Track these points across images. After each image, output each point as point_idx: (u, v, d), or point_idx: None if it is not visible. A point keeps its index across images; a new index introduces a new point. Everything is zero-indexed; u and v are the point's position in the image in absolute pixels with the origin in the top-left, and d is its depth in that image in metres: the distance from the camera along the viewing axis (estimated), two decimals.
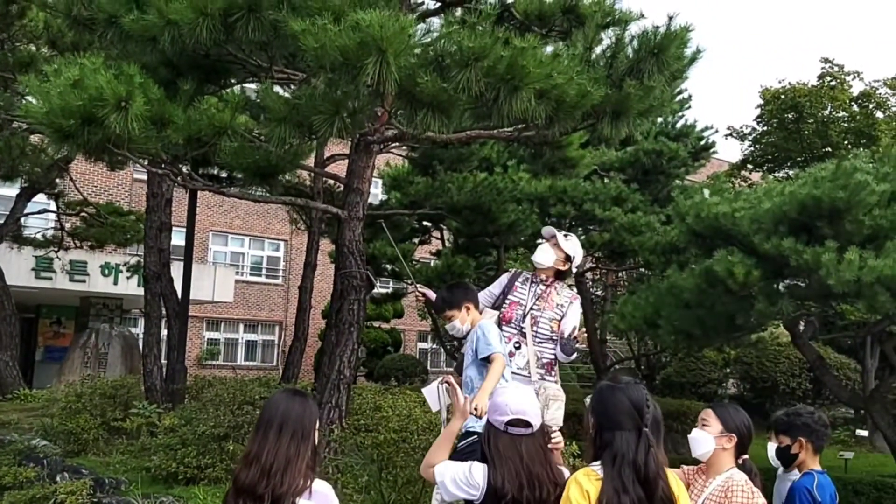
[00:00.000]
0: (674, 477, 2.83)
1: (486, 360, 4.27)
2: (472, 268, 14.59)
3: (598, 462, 2.74)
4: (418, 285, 5.13)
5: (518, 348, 4.64)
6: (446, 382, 3.88)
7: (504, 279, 4.84)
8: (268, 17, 5.36)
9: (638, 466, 2.65)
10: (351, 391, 6.92)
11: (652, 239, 12.99)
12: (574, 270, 5.00)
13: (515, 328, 4.67)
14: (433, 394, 4.30)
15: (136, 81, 5.18)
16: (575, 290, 5.13)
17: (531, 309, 4.68)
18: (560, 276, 4.85)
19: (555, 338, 4.72)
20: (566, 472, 3.04)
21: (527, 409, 3.02)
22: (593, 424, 2.81)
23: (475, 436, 4.20)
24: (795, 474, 4.11)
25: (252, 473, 2.90)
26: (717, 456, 3.40)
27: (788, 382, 18.63)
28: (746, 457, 3.45)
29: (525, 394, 3.19)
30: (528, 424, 2.98)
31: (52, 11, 9.67)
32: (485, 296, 4.81)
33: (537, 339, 4.69)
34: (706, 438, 3.42)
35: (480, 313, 4.63)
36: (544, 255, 4.75)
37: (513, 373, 4.56)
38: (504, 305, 4.72)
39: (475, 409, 3.71)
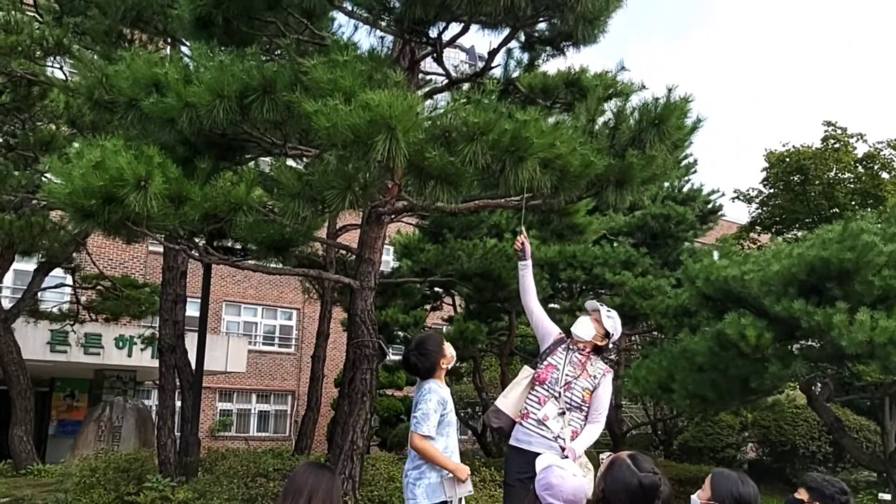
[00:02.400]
0: None
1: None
2: (485, 333, 14.62)
3: None
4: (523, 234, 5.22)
5: (562, 414, 4.69)
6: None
7: (552, 338, 4.96)
8: (282, 99, 5.58)
9: None
10: (364, 461, 6.91)
11: (663, 302, 13.02)
12: (611, 347, 5.11)
13: (548, 391, 4.74)
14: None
15: (156, 161, 5.37)
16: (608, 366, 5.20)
17: (566, 375, 4.76)
18: (597, 350, 4.95)
19: (584, 408, 4.78)
20: None
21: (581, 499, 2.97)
22: (601, 492, 2.82)
23: None
24: None
25: None
26: None
27: (808, 446, 18.30)
28: None
29: (580, 482, 3.10)
30: None
31: (73, 94, 10.04)
32: (546, 324, 5.02)
33: (569, 406, 4.76)
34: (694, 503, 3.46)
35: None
36: (585, 330, 4.87)
37: (545, 437, 4.62)
38: (540, 366, 4.82)
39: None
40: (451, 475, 4.40)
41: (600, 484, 2.85)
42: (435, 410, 4.40)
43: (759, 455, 20.13)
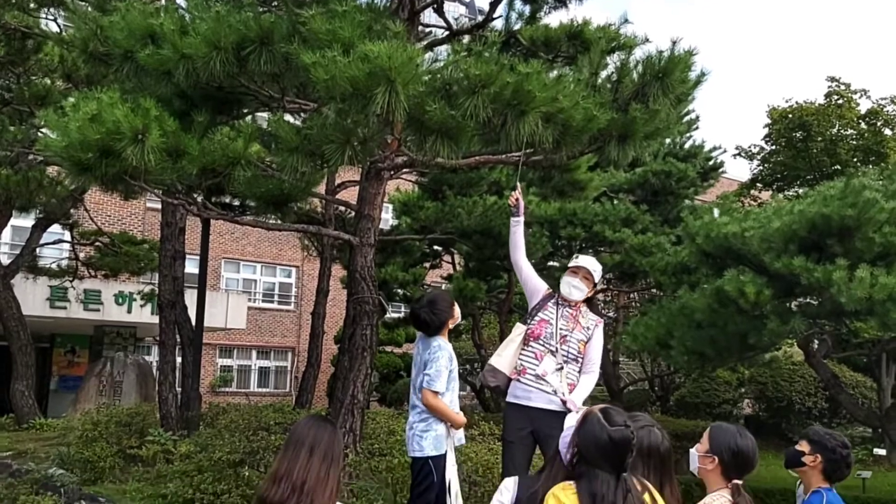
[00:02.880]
0: None
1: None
2: (484, 291, 14.64)
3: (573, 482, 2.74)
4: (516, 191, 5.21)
5: (560, 369, 4.73)
6: None
7: (540, 294, 4.95)
8: (279, 50, 5.48)
9: None
10: (365, 416, 6.96)
11: (662, 260, 13.02)
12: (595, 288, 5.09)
13: (544, 346, 4.76)
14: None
15: (152, 114, 5.29)
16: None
17: (560, 329, 4.78)
18: (587, 301, 4.96)
19: (580, 360, 4.81)
20: None
21: None
22: (574, 448, 2.80)
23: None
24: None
25: (282, 489, 2.94)
26: (704, 476, 3.41)
27: (804, 402, 18.49)
28: (739, 482, 3.42)
29: None
30: None
31: (68, 47, 9.89)
32: (535, 280, 5.01)
33: (566, 359, 4.79)
34: (693, 456, 3.45)
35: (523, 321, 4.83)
36: (579, 292, 4.85)
37: (544, 391, 4.67)
38: (532, 322, 4.82)
39: None
40: (451, 427, 4.46)
41: (573, 440, 2.82)
42: (447, 367, 4.48)
43: (756, 411, 20.35)
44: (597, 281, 4.99)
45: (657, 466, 3.05)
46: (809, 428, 4.40)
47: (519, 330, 4.84)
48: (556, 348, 4.73)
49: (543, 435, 4.60)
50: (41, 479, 8.03)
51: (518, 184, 5.20)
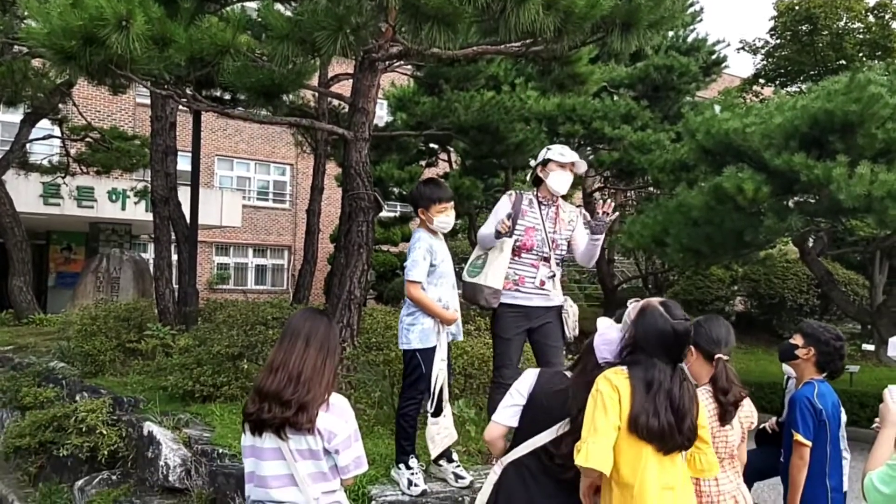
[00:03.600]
0: (702, 406, 2.99)
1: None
2: (480, 190, 14.54)
3: (625, 366, 2.87)
4: None
5: (553, 277, 4.72)
6: None
7: (506, 204, 4.70)
8: None
9: (673, 396, 2.80)
10: (362, 311, 6.99)
11: (661, 157, 12.90)
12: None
13: (537, 255, 4.69)
14: None
15: (136, 0, 5.06)
16: (582, 208, 5.11)
17: (550, 234, 4.70)
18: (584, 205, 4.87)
19: (566, 255, 4.81)
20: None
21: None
22: (630, 336, 2.91)
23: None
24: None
25: (279, 379, 2.96)
26: (690, 366, 3.45)
27: (796, 299, 18.74)
28: (725, 358, 3.52)
29: None
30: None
31: None
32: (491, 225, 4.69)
33: (559, 262, 4.79)
34: None
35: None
36: (564, 185, 4.69)
37: (545, 295, 4.70)
38: (520, 232, 4.66)
39: None
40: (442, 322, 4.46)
41: (630, 330, 2.92)
42: (424, 258, 4.39)
43: (748, 308, 20.65)
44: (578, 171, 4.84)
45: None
46: (803, 322, 4.43)
47: (503, 245, 4.63)
48: (550, 256, 4.70)
49: (537, 325, 4.67)
50: (43, 371, 8.15)
51: (609, 199, 4.82)
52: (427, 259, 4.40)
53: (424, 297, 4.38)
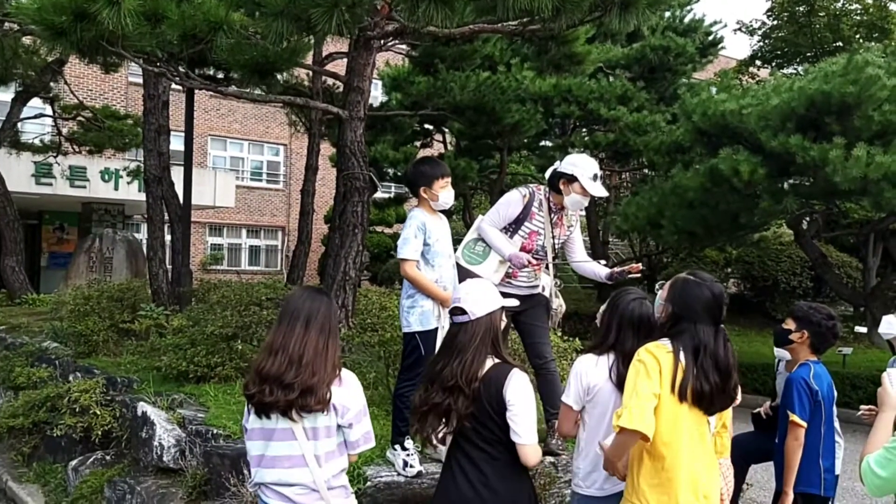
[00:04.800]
0: None
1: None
2: (476, 171, 14.49)
3: (667, 339, 2.97)
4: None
5: (557, 284, 4.82)
6: None
7: (518, 203, 4.61)
8: None
9: (718, 357, 2.93)
10: (357, 292, 6.96)
11: (657, 139, 12.85)
12: None
13: (536, 257, 4.67)
14: None
15: None
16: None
17: (553, 241, 4.71)
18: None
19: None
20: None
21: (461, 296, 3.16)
22: (669, 312, 3.04)
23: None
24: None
25: (279, 361, 2.90)
26: None
27: (789, 281, 18.78)
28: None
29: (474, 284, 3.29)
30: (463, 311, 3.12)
31: None
32: (497, 220, 4.65)
33: (554, 263, 4.83)
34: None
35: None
36: (582, 206, 4.67)
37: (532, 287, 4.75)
38: (523, 234, 4.62)
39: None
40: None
41: (666, 307, 3.06)
42: (415, 236, 4.30)
43: (741, 290, 20.69)
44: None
45: (647, 335, 3.20)
46: (794, 305, 4.43)
47: (515, 243, 4.58)
48: (548, 261, 4.70)
49: (522, 309, 4.60)
50: (36, 351, 8.12)
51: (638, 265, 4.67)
52: (419, 237, 4.31)
53: (419, 275, 4.31)
